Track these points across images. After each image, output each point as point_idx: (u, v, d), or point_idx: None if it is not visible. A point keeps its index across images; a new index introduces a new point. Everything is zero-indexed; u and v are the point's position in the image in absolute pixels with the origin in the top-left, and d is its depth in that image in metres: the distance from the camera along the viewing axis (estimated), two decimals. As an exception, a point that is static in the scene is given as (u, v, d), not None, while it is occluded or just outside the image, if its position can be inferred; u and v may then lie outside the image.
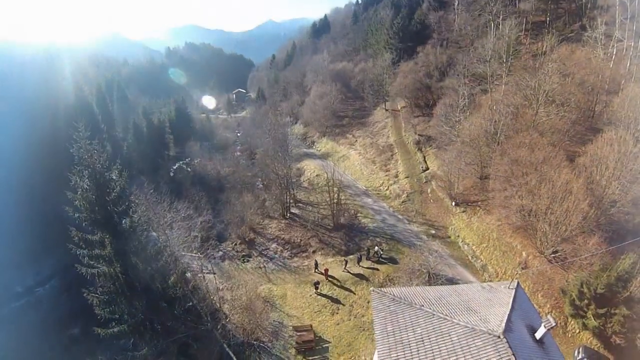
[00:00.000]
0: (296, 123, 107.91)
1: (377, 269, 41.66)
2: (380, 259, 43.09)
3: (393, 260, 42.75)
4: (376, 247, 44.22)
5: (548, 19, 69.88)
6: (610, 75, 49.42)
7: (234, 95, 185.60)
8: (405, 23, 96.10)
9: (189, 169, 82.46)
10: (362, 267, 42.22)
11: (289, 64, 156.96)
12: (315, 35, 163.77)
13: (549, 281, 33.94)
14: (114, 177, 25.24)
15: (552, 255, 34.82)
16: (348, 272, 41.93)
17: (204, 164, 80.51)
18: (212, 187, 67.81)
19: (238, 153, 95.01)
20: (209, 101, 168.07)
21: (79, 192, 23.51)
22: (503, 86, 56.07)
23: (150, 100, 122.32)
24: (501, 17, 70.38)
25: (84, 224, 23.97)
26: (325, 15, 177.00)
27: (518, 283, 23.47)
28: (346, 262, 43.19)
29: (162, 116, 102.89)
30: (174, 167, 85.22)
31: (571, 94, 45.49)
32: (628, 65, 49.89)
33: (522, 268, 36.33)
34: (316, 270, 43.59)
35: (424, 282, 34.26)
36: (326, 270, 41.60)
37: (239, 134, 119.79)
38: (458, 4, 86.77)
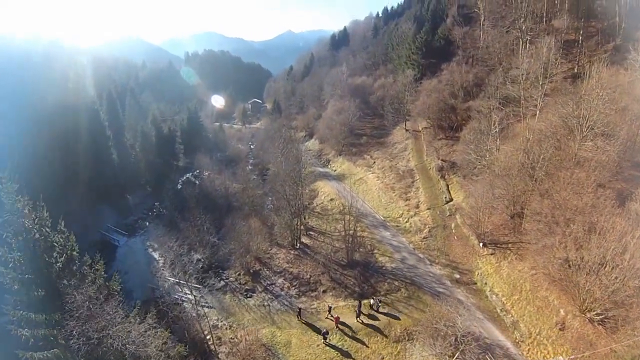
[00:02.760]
0: (312, 138, 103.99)
1: (374, 326, 36.42)
2: (378, 312, 38.02)
3: (392, 315, 37.42)
4: (372, 300, 38.98)
5: (580, 37, 64.51)
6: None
7: (250, 105, 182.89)
8: (429, 38, 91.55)
9: (197, 182, 79.07)
10: (359, 322, 37.04)
11: (307, 75, 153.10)
12: (334, 47, 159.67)
13: (591, 347, 28.84)
14: (57, 243, 19.78)
15: (598, 317, 29.87)
16: (329, 318, 37.57)
17: (212, 178, 76.89)
18: (218, 206, 63.79)
19: (250, 167, 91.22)
20: (217, 100, 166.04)
21: (9, 266, 17.95)
22: (538, 112, 51.17)
23: (165, 106, 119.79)
24: (530, 34, 65.63)
25: (17, 309, 18.33)
26: (345, 28, 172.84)
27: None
28: (330, 307, 38.72)
29: (173, 125, 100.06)
30: (182, 179, 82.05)
31: (617, 125, 40.04)
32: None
33: (560, 329, 31.42)
34: (299, 318, 38.93)
35: (450, 345, 29.50)
36: (337, 318, 36.83)
37: (252, 146, 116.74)
38: (484, 20, 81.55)
